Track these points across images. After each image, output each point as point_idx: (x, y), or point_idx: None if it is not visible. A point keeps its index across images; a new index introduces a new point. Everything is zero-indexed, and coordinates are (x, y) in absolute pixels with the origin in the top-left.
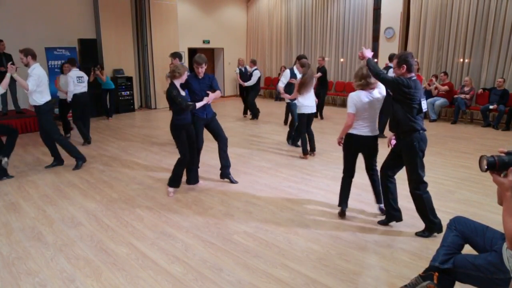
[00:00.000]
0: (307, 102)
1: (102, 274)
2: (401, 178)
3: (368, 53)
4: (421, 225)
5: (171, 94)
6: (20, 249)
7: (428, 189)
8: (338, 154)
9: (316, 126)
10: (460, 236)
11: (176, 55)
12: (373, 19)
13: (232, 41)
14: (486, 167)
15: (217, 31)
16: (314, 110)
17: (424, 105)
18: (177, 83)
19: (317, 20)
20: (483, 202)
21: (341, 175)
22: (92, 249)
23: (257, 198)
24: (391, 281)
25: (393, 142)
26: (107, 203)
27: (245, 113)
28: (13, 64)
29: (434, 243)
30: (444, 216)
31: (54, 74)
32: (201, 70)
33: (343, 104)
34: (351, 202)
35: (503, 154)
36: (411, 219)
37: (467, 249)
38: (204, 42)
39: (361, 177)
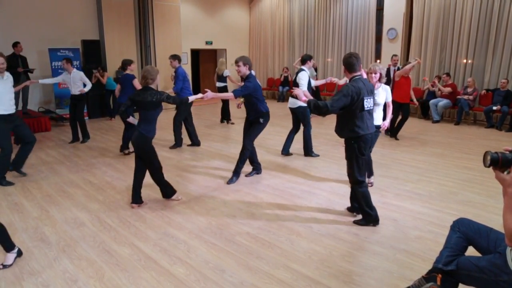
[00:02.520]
0: None
1: (104, 274)
2: (401, 179)
3: (300, 94)
4: (423, 227)
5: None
6: (23, 249)
7: (432, 190)
8: (340, 155)
9: (317, 127)
10: (463, 237)
11: (175, 57)
12: (376, 20)
13: (235, 42)
14: (489, 162)
15: (220, 32)
16: None
17: (368, 103)
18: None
19: (319, 21)
20: (486, 204)
21: (343, 176)
22: (94, 249)
23: (260, 199)
24: (394, 282)
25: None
26: (110, 203)
27: None
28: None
29: (437, 244)
30: (448, 217)
31: (58, 75)
32: (238, 70)
33: None
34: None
35: (507, 152)
36: (414, 220)
37: (471, 251)
38: (206, 43)
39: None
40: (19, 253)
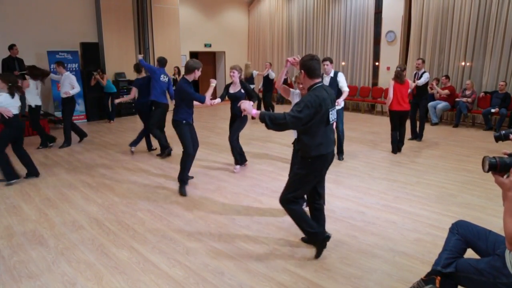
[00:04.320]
0: None
1: (103, 277)
2: (400, 181)
3: (249, 108)
4: (422, 229)
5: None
6: (22, 253)
7: (431, 192)
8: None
9: None
10: (462, 240)
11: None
12: (374, 22)
13: (234, 44)
14: (487, 167)
15: (219, 34)
16: None
17: (332, 116)
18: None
19: (318, 23)
20: (485, 206)
21: (342, 178)
22: (93, 252)
23: (259, 202)
24: (393, 285)
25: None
26: (109, 206)
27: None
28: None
29: (436, 247)
30: (447, 220)
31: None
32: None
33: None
34: (351, 205)
35: (506, 156)
36: (413, 223)
37: (470, 253)
38: (205, 45)
39: (362, 180)
40: None
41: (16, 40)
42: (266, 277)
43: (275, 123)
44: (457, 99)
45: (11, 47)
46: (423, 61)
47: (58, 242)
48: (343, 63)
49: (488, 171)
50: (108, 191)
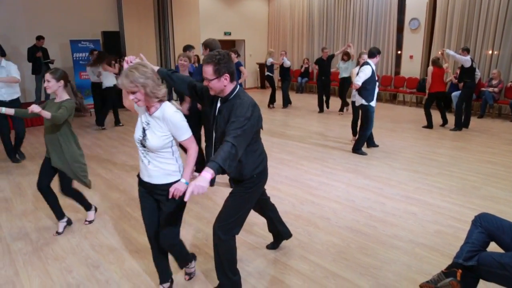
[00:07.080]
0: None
1: (125, 261)
2: (421, 172)
3: (183, 188)
4: (443, 221)
5: None
6: (48, 235)
7: (453, 184)
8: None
9: (337, 118)
10: (485, 233)
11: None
12: (397, 9)
13: (254, 33)
14: None
15: (239, 23)
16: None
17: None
18: None
19: (339, 10)
20: (510, 199)
21: (361, 168)
22: (115, 237)
23: (278, 190)
24: (412, 276)
25: None
26: (130, 192)
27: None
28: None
29: (457, 240)
30: (469, 212)
31: (79, 66)
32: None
33: None
34: (371, 196)
35: None
36: (434, 214)
37: (493, 247)
38: (225, 34)
39: (382, 170)
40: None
41: (41, 30)
42: (284, 265)
43: (234, 159)
44: (482, 89)
45: (39, 38)
46: (463, 50)
47: (82, 226)
48: (365, 51)
49: None
50: (130, 178)
